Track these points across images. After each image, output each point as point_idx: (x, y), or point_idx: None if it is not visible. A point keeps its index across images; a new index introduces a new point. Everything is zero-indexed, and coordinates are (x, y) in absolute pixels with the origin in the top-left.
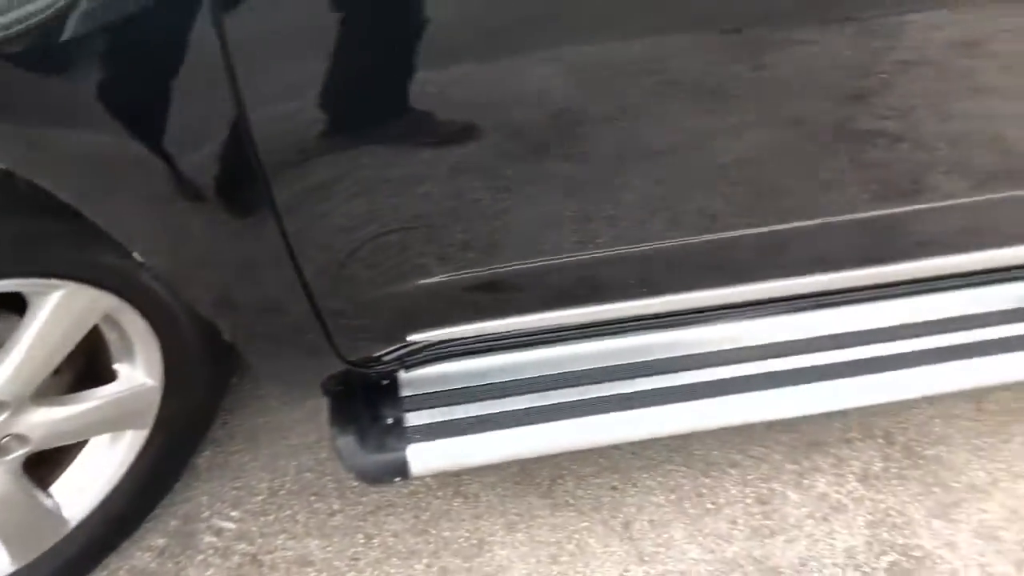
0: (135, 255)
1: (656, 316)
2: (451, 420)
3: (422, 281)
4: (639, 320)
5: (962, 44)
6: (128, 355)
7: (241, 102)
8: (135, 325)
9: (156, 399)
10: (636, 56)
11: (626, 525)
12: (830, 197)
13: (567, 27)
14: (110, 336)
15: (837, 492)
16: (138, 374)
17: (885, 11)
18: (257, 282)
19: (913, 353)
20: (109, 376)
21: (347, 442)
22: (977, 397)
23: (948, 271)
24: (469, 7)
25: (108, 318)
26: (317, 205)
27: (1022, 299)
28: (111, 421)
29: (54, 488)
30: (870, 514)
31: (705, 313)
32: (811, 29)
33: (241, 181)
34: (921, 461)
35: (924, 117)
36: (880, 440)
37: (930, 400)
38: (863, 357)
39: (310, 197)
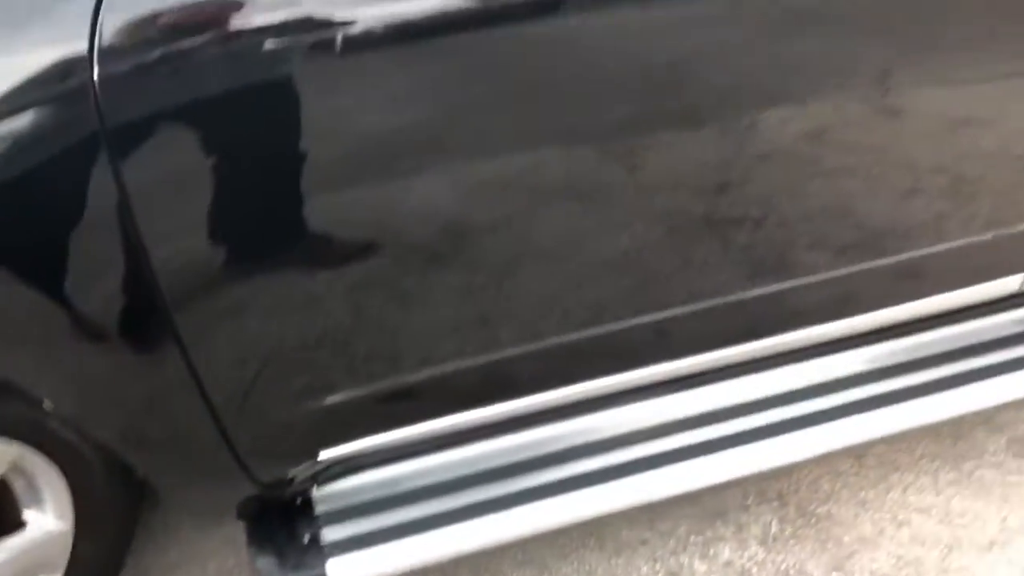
0: (45, 403)
1: (560, 407)
2: (368, 531)
3: (330, 398)
4: (544, 413)
5: (808, 134)
6: (36, 501)
7: (141, 242)
8: (43, 470)
9: (68, 543)
10: (519, 167)
11: None
12: (707, 281)
13: (450, 146)
14: (16, 483)
15: (740, 558)
16: (48, 519)
17: (740, 111)
18: (166, 414)
19: (796, 418)
20: (16, 523)
21: (266, 563)
22: (858, 453)
23: (820, 339)
24: (352, 138)
25: (14, 466)
26: (222, 333)
27: (885, 359)
28: (21, 571)
29: None
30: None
31: (605, 399)
32: (676, 131)
33: (144, 318)
34: (814, 519)
35: (782, 201)
36: (775, 503)
37: (817, 460)
38: (752, 427)
39: (214, 326)
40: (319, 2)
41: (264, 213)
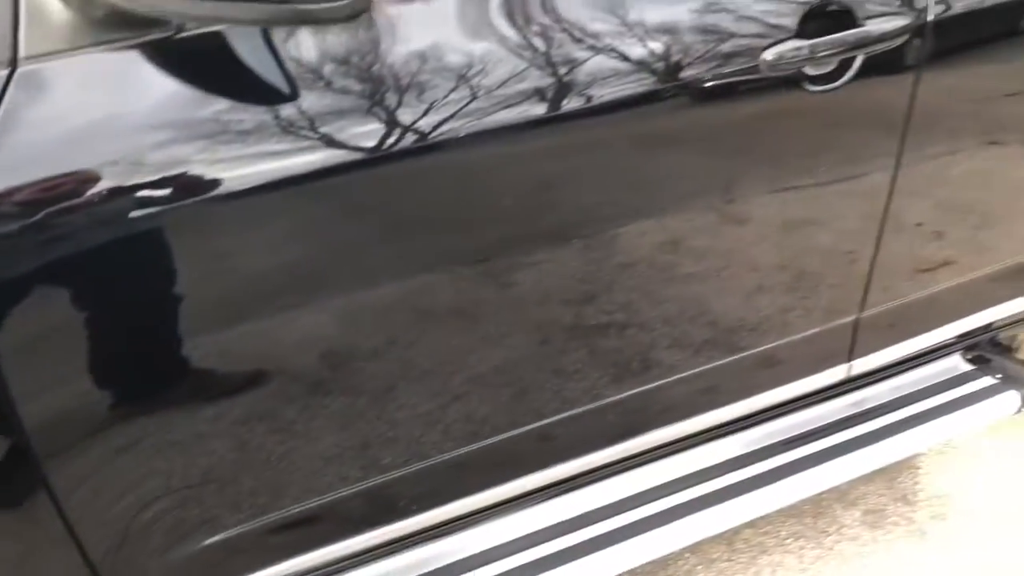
0: None
1: (451, 521)
2: None
3: (211, 538)
4: (434, 528)
5: (664, 244)
6: None
7: (11, 400)
8: None
9: None
10: (395, 294)
11: None
12: (578, 387)
13: (327, 279)
14: None
15: None
16: None
17: (600, 227)
18: (40, 573)
19: (666, 511)
20: None
21: None
22: (728, 538)
23: (685, 433)
24: (227, 281)
25: None
26: (98, 482)
27: (743, 447)
28: None
29: None
30: None
31: (490, 510)
32: (543, 250)
33: (14, 475)
34: None
35: (643, 306)
36: None
37: (690, 550)
38: (625, 523)
39: (89, 476)
40: (192, 164)
41: (139, 362)
